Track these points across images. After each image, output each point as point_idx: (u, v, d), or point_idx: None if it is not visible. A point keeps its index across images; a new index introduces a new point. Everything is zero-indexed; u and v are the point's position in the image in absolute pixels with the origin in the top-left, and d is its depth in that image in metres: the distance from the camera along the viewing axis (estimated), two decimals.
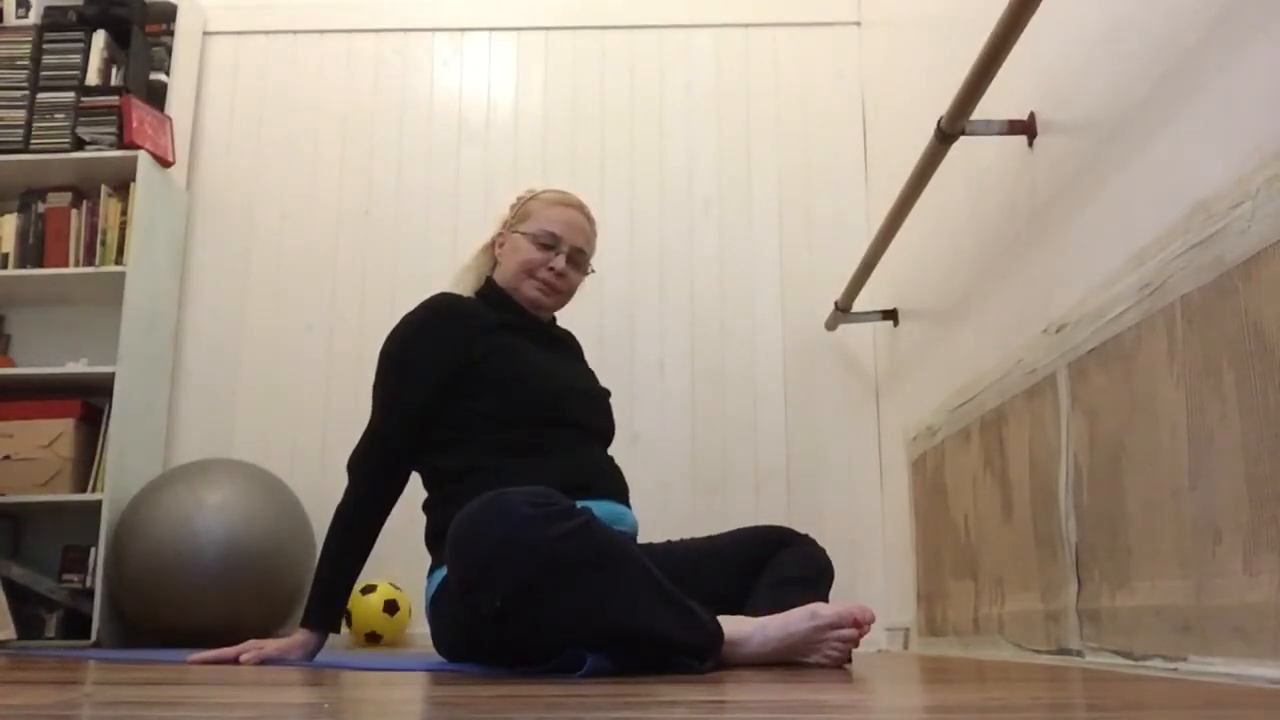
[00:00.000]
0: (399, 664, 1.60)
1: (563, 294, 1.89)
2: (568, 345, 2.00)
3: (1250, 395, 1.10)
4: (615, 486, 1.77)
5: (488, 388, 1.74)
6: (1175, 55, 1.30)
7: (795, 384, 3.18)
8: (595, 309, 3.22)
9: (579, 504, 1.41)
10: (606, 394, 1.94)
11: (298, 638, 1.72)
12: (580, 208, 1.91)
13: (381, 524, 1.75)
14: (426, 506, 1.77)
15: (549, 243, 1.85)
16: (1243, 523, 1.11)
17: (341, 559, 1.73)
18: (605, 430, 1.88)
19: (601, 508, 1.58)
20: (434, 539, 1.71)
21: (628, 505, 1.77)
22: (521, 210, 1.91)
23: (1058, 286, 1.66)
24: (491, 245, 1.95)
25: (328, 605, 1.73)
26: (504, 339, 1.79)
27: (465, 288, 1.91)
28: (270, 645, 1.71)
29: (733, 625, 1.44)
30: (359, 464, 1.76)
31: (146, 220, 3.08)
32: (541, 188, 1.97)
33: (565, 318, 2.04)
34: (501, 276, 1.89)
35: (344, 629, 2.81)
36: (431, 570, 1.69)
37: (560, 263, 1.85)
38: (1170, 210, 1.28)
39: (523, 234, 1.87)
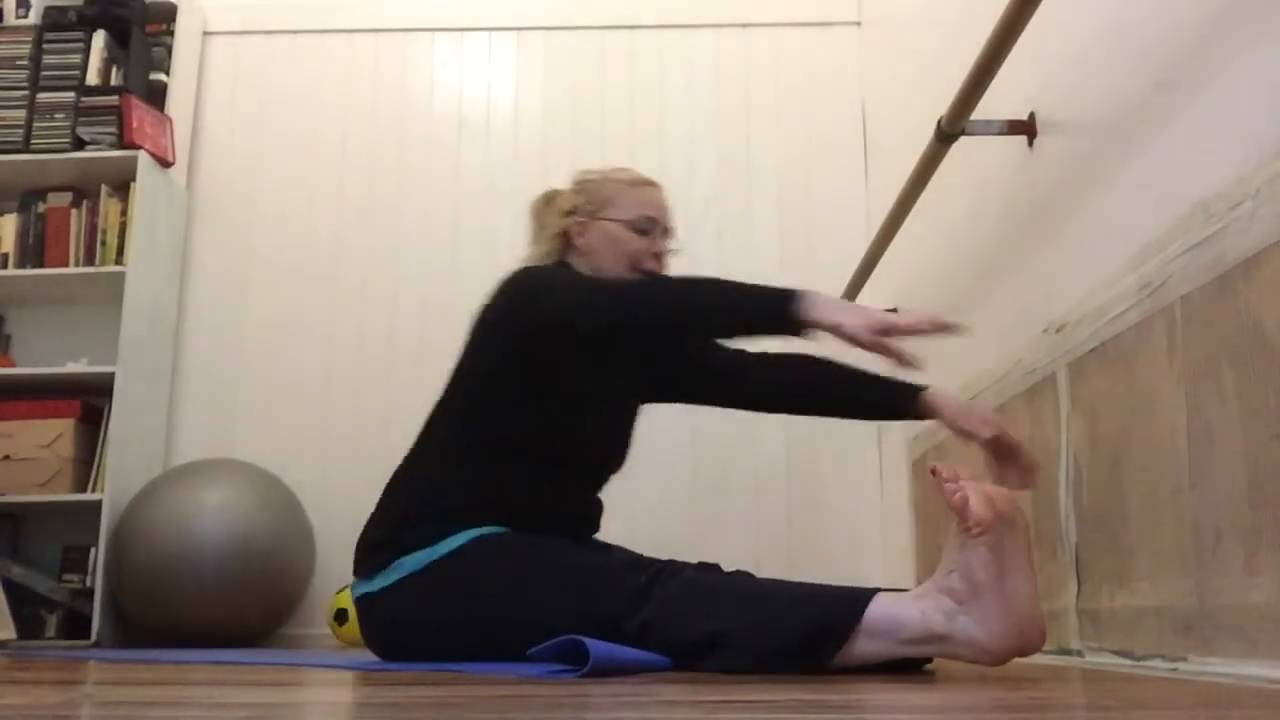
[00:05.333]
0: (398, 664, 1.60)
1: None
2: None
3: (1250, 395, 1.10)
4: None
5: (549, 391, 1.62)
6: (1175, 55, 1.30)
7: None
8: None
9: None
10: (632, 429, 1.82)
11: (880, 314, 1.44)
12: (658, 185, 1.82)
13: None
14: (424, 472, 1.65)
15: (646, 227, 1.74)
16: (1243, 523, 1.11)
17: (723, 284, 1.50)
18: (613, 470, 1.81)
19: None
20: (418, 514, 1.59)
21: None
22: (598, 195, 1.77)
23: (1058, 286, 1.66)
24: (564, 235, 1.78)
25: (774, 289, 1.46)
26: (599, 374, 1.67)
27: None
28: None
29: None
30: (618, 298, 1.55)
31: (146, 220, 3.08)
32: (602, 167, 1.85)
33: None
34: (594, 268, 1.74)
35: (337, 630, 2.80)
36: (395, 557, 1.56)
37: (666, 246, 1.75)
38: (1170, 210, 1.28)
39: (614, 221, 1.74)
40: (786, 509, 3.10)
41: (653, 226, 1.75)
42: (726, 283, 1.49)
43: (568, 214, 1.78)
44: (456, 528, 1.55)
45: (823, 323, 1.41)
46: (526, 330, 1.61)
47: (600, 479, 1.79)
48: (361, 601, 1.61)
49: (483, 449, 1.63)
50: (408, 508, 1.62)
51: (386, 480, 1.71)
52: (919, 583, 2.52)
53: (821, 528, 3.08)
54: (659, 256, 1.75)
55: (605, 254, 1.73)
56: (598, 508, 1.78)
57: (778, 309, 1.43)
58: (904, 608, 1.20)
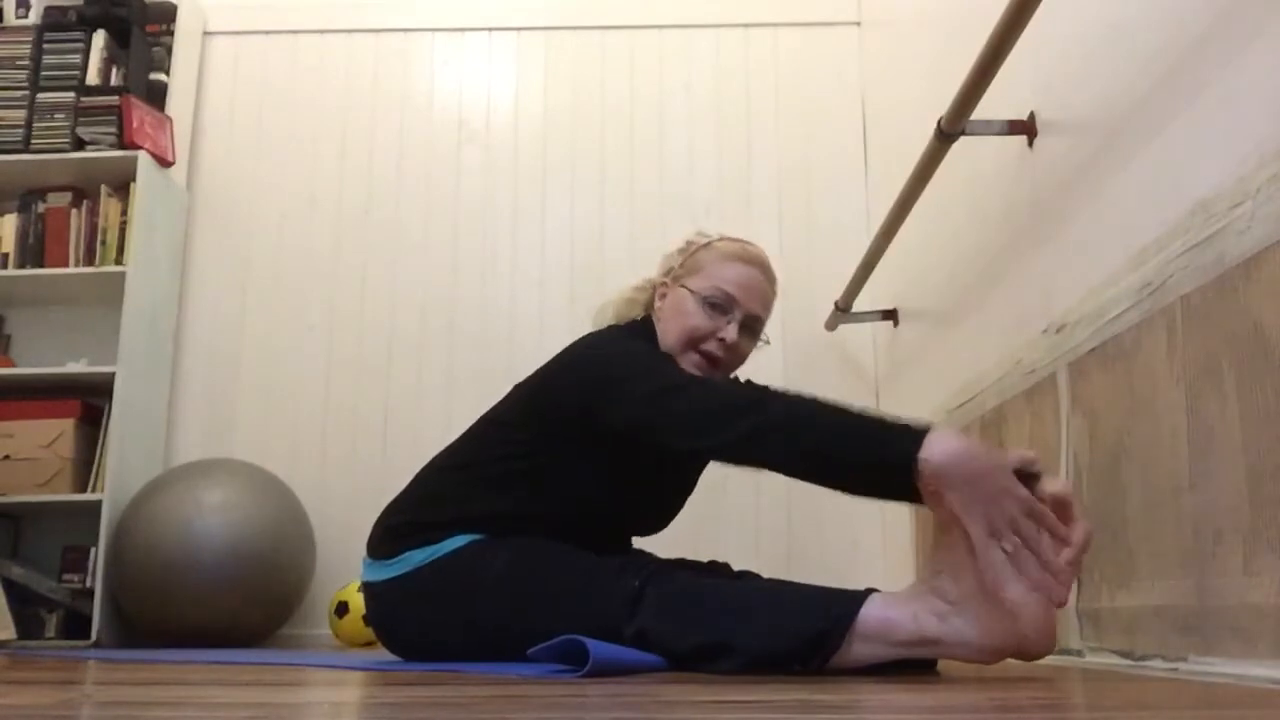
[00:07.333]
0: (397, 664, 1.60)
1: (728, 368, 1.63)
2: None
3: (1250, 395, 1.10)
4: None
5: (598, 461, 1.54)
6: (1175, 55, 1.30)
7: (795, 384, 3.15)
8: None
9: None
10: (680, 503, 1.75)
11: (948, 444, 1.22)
12: (762, 265, 1.64)
13: None
14: (451, 478, 1.60)
15: (721, 304, 1.59)
16: (1243, 523, 1.11)
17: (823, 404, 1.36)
18: (647, 531, 1.76)
19: None
20: (435, 520, 1.56)
21: None
22: (691, 259, 1.64)
23: (1058, 286, 1.66)
24: (650, 291, 1.70)
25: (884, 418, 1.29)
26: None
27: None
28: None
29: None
30: (720, 407, 1.38)
31: (146, 220, 3.08)
32: (717, 234, 1.70)
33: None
34: (660, 335, 1.64)
35: (336, 623, 2.80)
36: (403, 549, 1.55)
37: (732, 332, 1.58)
38: (1170, 210, 1.28)
39: (690, 291, 1.60)
40: (787, 508, 3.10)
41: (728, 306, 1.59)
42: (847, 426, 1.29)
43: (665, 272, 1.69)
44: (463, 533, 1.55)
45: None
46: (601, 427, 1.47)
47: (634, 535, 1.75)
48: (368, 588, 1.63)
49: (514, 498, 1.57)
50: (427, 508, 1.60)
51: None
52: None
53: (822, 527, 3.08)
54: (723, 343, 1.58)
55: (670, 324, 1.61)
56: (626, 547, 1.74)
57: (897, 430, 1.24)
58: (896, 610, 1.20)
